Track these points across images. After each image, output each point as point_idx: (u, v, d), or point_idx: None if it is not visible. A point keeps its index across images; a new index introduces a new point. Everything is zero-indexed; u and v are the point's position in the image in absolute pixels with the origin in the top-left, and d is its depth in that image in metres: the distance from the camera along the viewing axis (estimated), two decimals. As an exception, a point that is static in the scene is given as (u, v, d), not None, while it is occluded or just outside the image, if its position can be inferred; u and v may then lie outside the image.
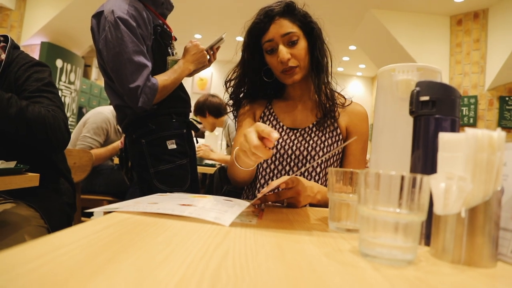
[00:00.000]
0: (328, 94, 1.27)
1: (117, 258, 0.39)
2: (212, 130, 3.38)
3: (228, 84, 1.36)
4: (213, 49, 1.74)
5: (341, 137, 1.26)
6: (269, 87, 1.38)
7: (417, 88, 0.63)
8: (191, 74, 1.75)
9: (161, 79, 1.52)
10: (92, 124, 2.70)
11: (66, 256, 0.38)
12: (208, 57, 1.73)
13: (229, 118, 3.20)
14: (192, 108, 3.24)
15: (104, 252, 0.41)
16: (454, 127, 0.62)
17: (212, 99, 3.26)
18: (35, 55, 5.67)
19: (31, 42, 5.76)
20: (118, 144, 2.76)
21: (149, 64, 1.49)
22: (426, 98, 0.62)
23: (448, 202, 0.50)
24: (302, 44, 1.22)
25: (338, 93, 1.33)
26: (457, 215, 0.49)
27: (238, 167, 1.00)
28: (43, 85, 1.36)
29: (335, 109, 1.28)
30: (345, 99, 1.33)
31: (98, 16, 1.51)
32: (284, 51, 1.19)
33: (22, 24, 5.68)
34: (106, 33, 1.45)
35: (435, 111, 0.61)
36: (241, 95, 1.37)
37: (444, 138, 0.53)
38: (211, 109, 3.24)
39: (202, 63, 1.69)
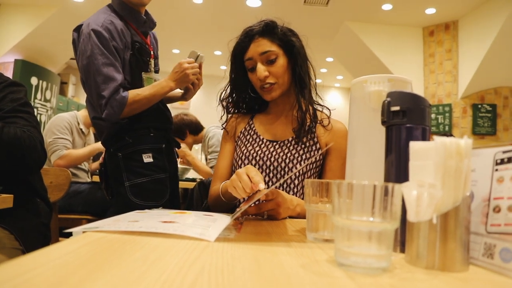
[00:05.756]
0: (310, 110, 1.30)
1: (92, 277, 0.39)
2: (190, 149, 3.33)
3: (221, 99, 1.41)
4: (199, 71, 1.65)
5: (320, 152, 1.28)
6: (255, 102, 1.42)
7: (388, 99, 0.65)
8: (185, 99, 1.77)
9: (133, 93, 1.50)
10: (54, 128, 2.64)
11: (39, 278, 0.37)
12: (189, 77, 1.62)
13: (209, 131, 3.17)
14: None
15: (78, 272, 0.40)
16: (424, 136, 0.63)
17: (187, 118, 3.20)
18: (9, 73, 5.55)
19: (4, 60, 5.63)
20: (98, 145, 2.70)
21: (118, 77, 1.48)
22: (396, 108, 0.63)
23: (420, 209, 0.51)
24: (281, 62, 1.26)
25: (322, 110, 1.36)
26: (429, 221, 0.50)
27: (223, 199, 1.17)
28: (19, 105, 1.34)
29: (315, 124, 1.30)
30: (328, 117, 1.35)
31: (78, 29, 1.54)
32: (261, 69, 1.24)
33: (-5, 42, 5.56)
34: (80, 45, 1.48)
35: (406, 120, 0.63)
36: (231, 110, 1.43)
37: (415, 147, 0.55)
38: (191, 127, 3.17)
39: (184, 82, 1.62)
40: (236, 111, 1.44)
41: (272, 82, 1.25)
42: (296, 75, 1.28)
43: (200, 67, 1.64)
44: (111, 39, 1.48)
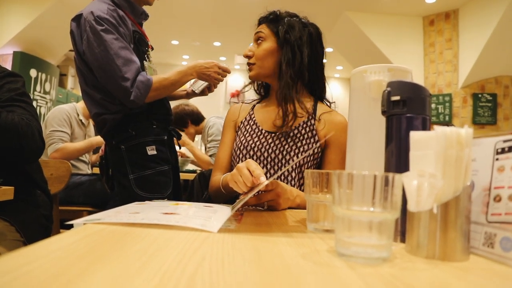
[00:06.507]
0: (296, 103, 1.27)
1: (92, 268, 0.39)
2: (193, 140, 3.31)
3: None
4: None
5: (318, 144, 1.28)
6: (264, 89, 1.47)
7: (388, 88, 0.64)
8: (189, 96, 1.81)
9: (160, 77, 1.52)
10: (52, 120, 2.63)
11: (39, 270, 0.37)
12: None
13: (210, 121, 3.16)
14: None
15: (78, 264, 0.40)
16: (425, 125, 0.63)
17: (188, 108, 3.19)
18: (7, 65, 5.52)
19: (2, 52, 5.61)
20: (96, 139, 2.71)
21: (136, 60, 1.48)
22: (397, 98, 0.63)
23: (421, 199, 0.51)
24: (266, 45, 1.31)
25: (322, 102, 1.38)
26: (430, 211, 0.50)
27: (223, 192, 1.18)
28: (16, 94, 1.33)
29: (314, 117, 1.30)
30: (329, 105, 1.36)
31: (77, 19, 1.51)
32: (248, 48, 1.35)
33: (-7, 34, 5.53)
34: (87, 34, 1.45)
35: (406, 110, 0.62)
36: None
37: (415, 137, 0.54)
38: (193, 117, 3.17)
39: (204, 79, 1.68)
40: (259, 95, 1.48)
41: (251, 62, 1.33)
42: (279, 65, 1.29)
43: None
44: (118, 25, 1.48)
